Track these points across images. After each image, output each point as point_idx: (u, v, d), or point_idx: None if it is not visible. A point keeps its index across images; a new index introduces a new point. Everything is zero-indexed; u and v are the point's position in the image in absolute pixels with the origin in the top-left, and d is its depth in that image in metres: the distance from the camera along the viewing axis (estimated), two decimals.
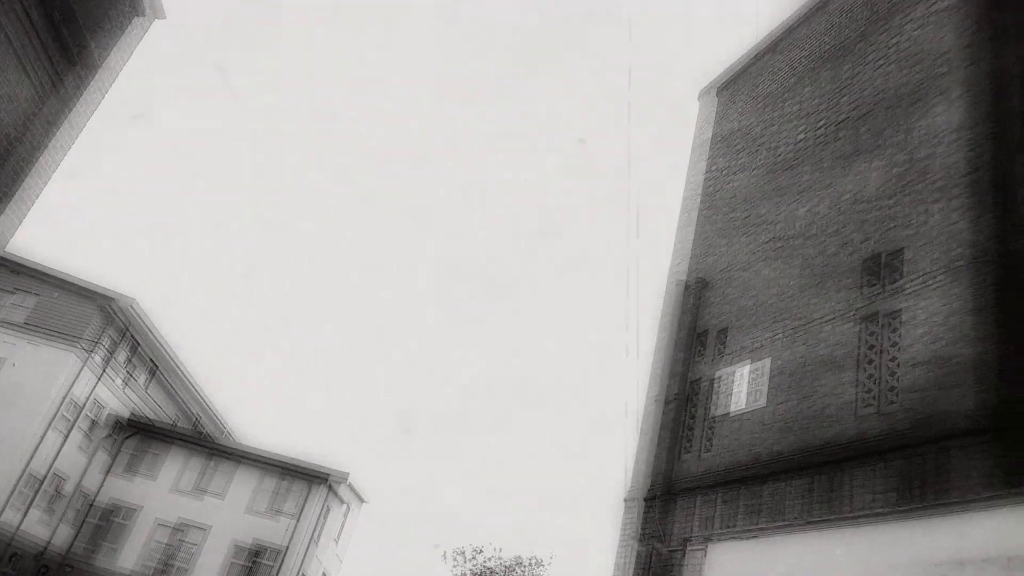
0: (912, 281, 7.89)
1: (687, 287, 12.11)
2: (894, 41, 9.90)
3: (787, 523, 6.37)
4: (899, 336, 7.80)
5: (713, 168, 13.26)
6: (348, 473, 26.62)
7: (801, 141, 11.02)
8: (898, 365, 7.56)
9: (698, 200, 13.17)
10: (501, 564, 29.26)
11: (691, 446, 10.27)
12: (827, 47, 11.47)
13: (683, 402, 10.85)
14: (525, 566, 29.38)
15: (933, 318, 7.41)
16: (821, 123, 10.71)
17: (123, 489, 25.57)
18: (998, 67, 8.14)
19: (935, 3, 9.43)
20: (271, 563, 24.41)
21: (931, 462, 6.72)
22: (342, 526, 29.14)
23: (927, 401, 7.05)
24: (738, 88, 13.72)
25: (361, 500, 30.90)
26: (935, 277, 7.60)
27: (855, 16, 11.10)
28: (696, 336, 11.40)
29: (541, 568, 29.49)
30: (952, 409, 6.77)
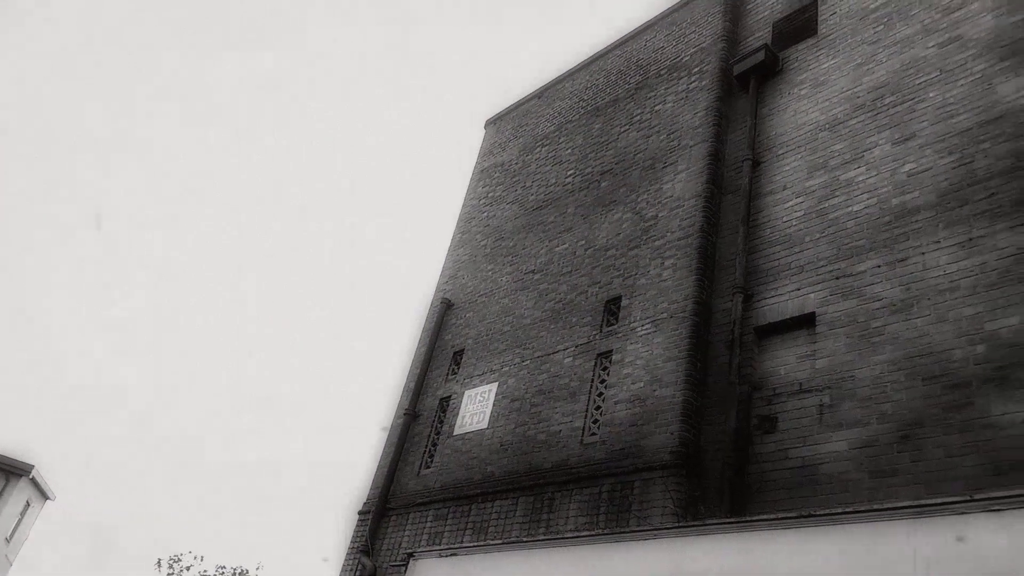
0: (624, 326, 8.78)
1: (431, 307, 12.36)
2: (639, 111, 11.04)
3: (511, 542, 6.67)
4: (608, 374, 8.61)
5: (473, 196, 13.74)
6: (32, 466, 23.39)
7: (552, 185, 11.84)
8: (615, 402, 8.29)
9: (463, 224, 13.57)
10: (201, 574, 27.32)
11: (421, 462, 10.43)
12: (585, 103, 12.48)
13: (412, 418, 11.00)
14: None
15: (636, 361, 8.28)
16: (571, 172, 11.59)
17: None
18: (717, 150, 9.41)
19: (675, 85, 10.69)
20: None
21: (627, 492, 7.46)
22: (17, 524, 25.47)
23: (628, 436, 7.83)
24: (504, 125, 14.43)
25: (45, 497, 27.26)
26: (643, 325, 8.52)
27: (611, 80, 12.22)
28: (435, 356, 11.65)
29: None
30: (644, 444, 7.58)
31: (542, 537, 6.23)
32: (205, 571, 27.67)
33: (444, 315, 12.06)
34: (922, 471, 5.76)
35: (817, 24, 9.39)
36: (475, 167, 14.37)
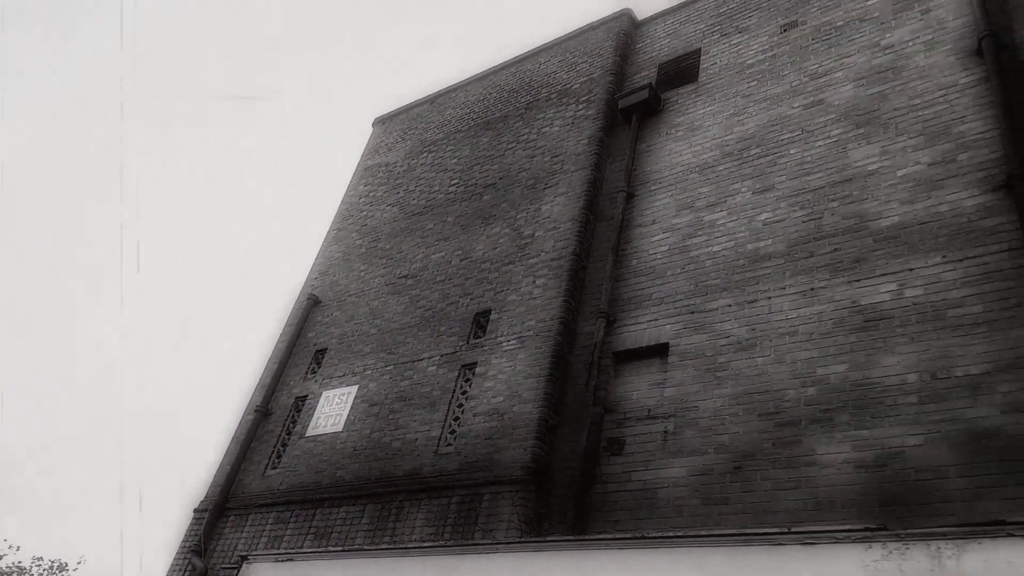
0: (491, 340, 8.86)
1: (297, 302, 11.99)
2: (526, 130, 11.24)
3: (353, 549, 6.51)
4: (471, 386, 8.65)
5: (354, 194, 13.48)
6: None
7: (434, 192, 11.81)
8: (474, 414, 8.30)
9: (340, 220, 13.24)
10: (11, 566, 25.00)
11: (268, 462, 10.02)
12: (475, 116, 12.56)
13: (264, 416, 10.59)
14: (45, 569, 25.53)
15: (499, 375, 8.37)
16: (454, 182, 11.61)
17: None
18: (596, 178, 9.71)
19: (563, 110, 10.97)
20: None
21: (476, 504, 7.49)
22: None
23: (483, 448, 7.87)
24: (393, 126, 14.27)
25: None
26: (509, 340, 8.63)
27: (503, 97, 12.38)
28: (296, 353, 11.29)
29: (65, 573, 25.90)
30: (498, 458, 7.65)
31: (385, 546, 6.15)
32: (20, 562, 25.36)
33: (310, 312, 11.72)
34: (750, 501, 6.14)
35: (698, 72, 9.93)
36: (359, 164, 14.12)
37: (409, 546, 5.94)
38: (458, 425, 8.40)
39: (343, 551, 6.23)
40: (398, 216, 12.07)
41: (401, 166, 13.08)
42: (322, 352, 10.97)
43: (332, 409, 9.82)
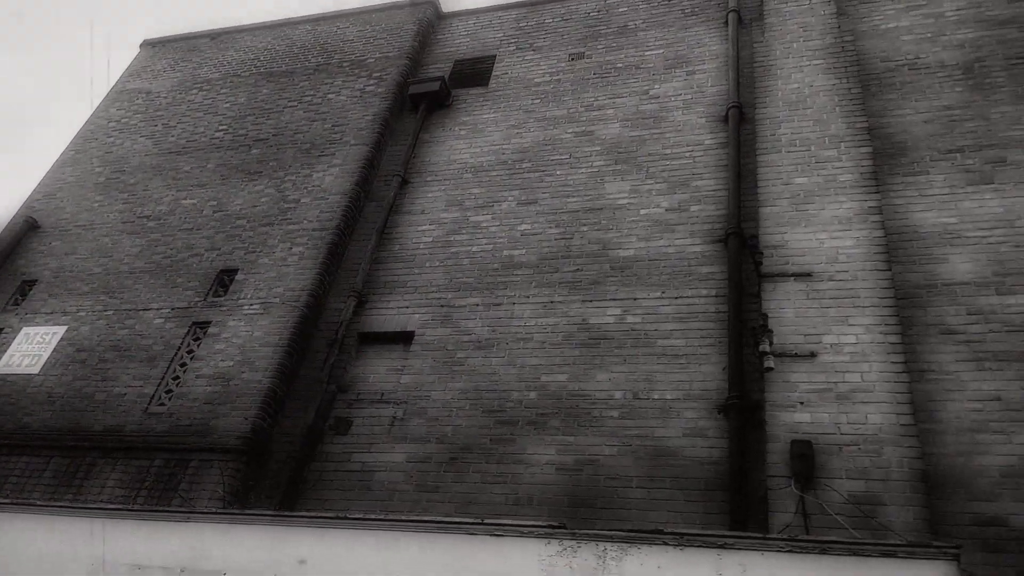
0: (231, 301, 8.38)
1: (10, 223, 10.47)
2: (312, 93, 10.81)
3: (23, 503, 5.73)
4: (199, 346, 8.11)
5: (103, 116, 12.05)
6: None
7: (199, 134, 10.93)
8: (197, 376, 7.77)
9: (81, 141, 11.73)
10: None
11: None
12: (260, 65, 11.84)
13: None
14: None
15: (234, 339, 7.94)
16: (223, 128, 10.84)
17: None
18: (374, 157, 9.59)
19: (353, 81, 10.70)
20: None
21: (181, 470, 7.02)
22: None
23: (200, 413, 7.40)
24: (164, 52, 13.00)
25: None
26: (252, 304, 8.22)
27: (293, 52, 11.80)
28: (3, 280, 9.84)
29: None
30: (215, 425, 7.24)
31: (60, 504, 5.55)
32: None
33: (24, 236, 10.27)
34: (459, 492, 6.41)
35: (490, 77, 10.21)
36: (115, 86, 12.64)
37: (80, 506, 5.42)
38: (176, 385, 7.84)
39: (12, 503, 5.54)
40: (151, 151, 11.00)
41: (165, 98, 11.94)
42: (31, 283, 9.67)
43: (31, 348, 8.68)
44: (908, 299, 6.32)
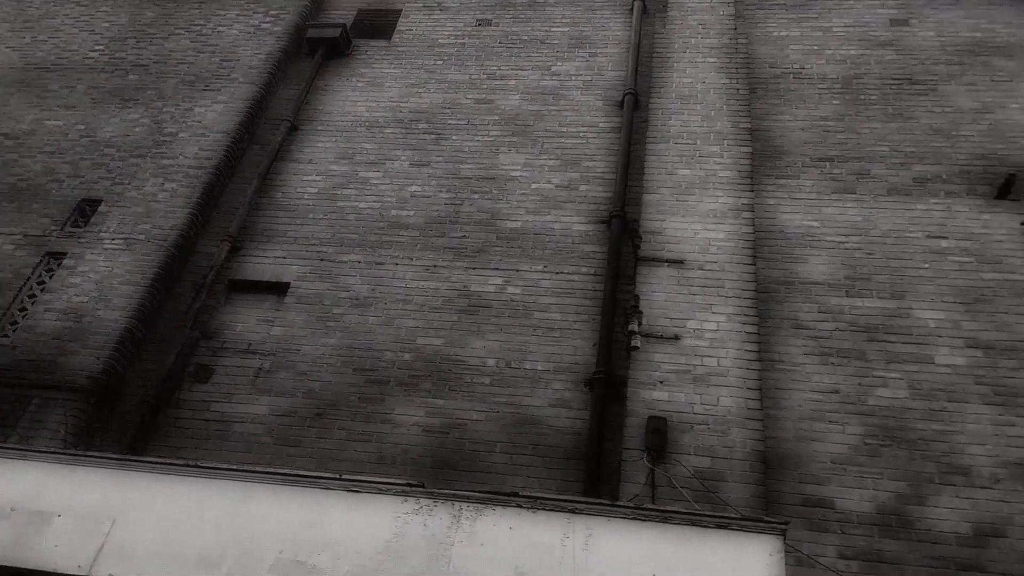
0: (92, 233, 7.84)
1: None
2: (201, 22, 10.18)
3: None
4: (51, 278, 7.55)
5: None
6: None
7: (71, 51, 10.08)
8: (46, 309, 7.24)
9: None
10: None
11: None
12: None
13: None
14: None
15: (91, 274, 7.44)
16: (99, 48, 10.04)
17: None
18: (263, 98, 9.17)
19: (247, 15, 10.13)
20: None
21: (20, 407, 6.55)
22: None
23: (46, 349, 6.91)
24: None
25: None
26: (114, 239, 7.72)
27: None
28: None
29: None
30: (63, 363, 6.79)
31: None
32: None
33: None
34: (322, 448, 6.32)
35: (393, 32, 9.96)
36: None
37: None
38: (23, 317, 7.27)
39: None
40: (16, 63, 10.05)
41: (38, 9, 10.93)
42: None
43: None
44: (767, 293, 6.73)
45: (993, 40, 8.56)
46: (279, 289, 7.56)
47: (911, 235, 7.02)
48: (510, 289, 7.20)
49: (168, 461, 4.63)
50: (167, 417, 6.65)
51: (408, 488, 4.38)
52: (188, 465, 4.58)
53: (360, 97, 9.28)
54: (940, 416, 5.95)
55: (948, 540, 5.38)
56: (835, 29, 8.95)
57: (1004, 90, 8.07)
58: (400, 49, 9.75)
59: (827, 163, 7.66)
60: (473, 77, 9.24)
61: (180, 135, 8.75)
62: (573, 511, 4.28)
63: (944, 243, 6.94)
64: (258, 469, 4.54)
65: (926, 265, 6.81)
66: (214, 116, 8.91)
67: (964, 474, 5.66)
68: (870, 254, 6.93)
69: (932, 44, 8.62)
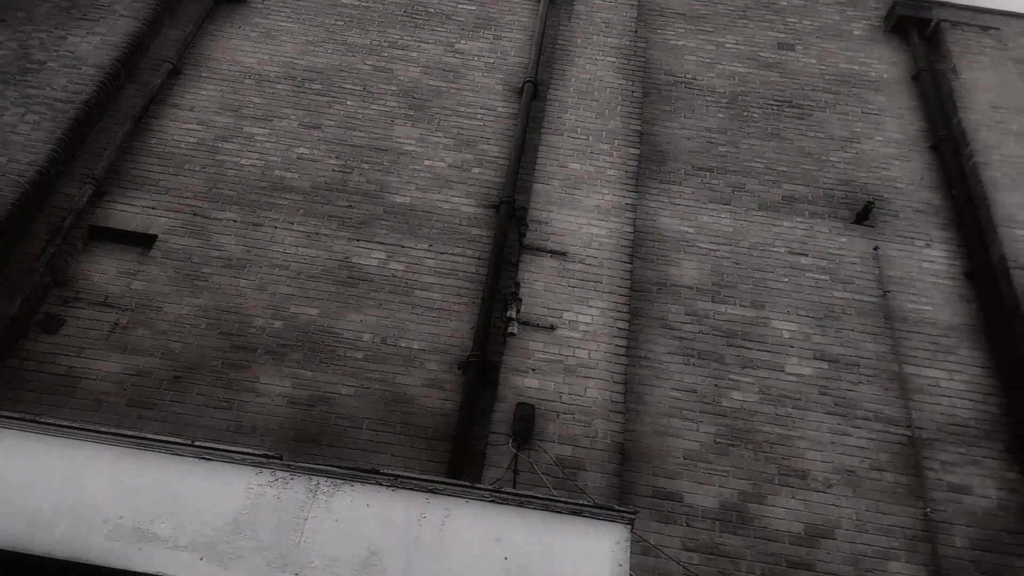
0: None
1: None
2: None
3: None
4: None
5: None
6: None
7: None
8: None
9: None
10: None
11: None
12: None
13: None
14: None
15: None
16: None
17: None
18: (145, 35, 8.56)
19: None
20: None
21: None
22: None
23: None
24: None
25: None
26: None
27: None
28: None
29: None
30: None
31: None
32: None
33: None
34: (177, 412, 6.04)
35: None
36: None
37: None
38: None
39: None
40: None
41: None
42: None
43: None
44: (641, 292, 6.99)
45: (867, 74, 9.21)
46: (145, 241, 7.13)
47: (775, 249, 7.48)
48: (393, 265, 7.11)
49: (4, 414, 4.28)
50: (7, 367, 6.15)
51: (264, 459, 4.27)
52: (26, 419, 4.26)
53: (252, 48, 8.85)
54: (784, 421, 6.40)
55: (782, 538, 5.81)
56: (728, 45, 9.35)
57: (872, 122, 8.70)
58: (299, 4, 9.35)
59: (707, 173, 8.01)
60: (374, 43, 9.01)
61: (49, 64, 8.05)
62: (433, 491, 4.30)
63: (804, 260, 7.43)
64: (103, 429, 4.28)
65: (786, 279, 7.27)
66: (89, 48, 8.25)
67: (801, 477, 6.12)
68: (737, 263, 7.32)
69: (813, 71, 9.17)
